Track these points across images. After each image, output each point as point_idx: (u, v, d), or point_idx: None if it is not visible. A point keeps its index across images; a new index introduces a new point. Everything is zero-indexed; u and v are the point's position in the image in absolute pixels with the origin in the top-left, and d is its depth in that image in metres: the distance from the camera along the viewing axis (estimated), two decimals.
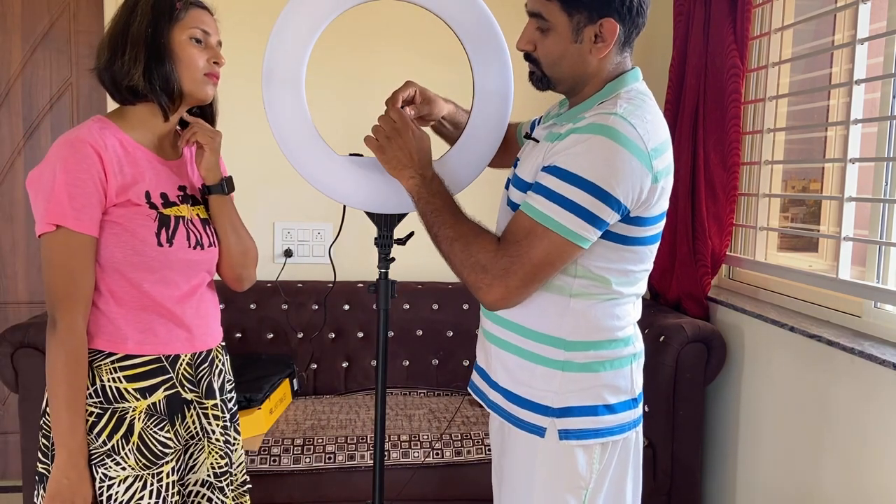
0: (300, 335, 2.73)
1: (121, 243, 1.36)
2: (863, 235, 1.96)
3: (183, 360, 1.45)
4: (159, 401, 1.41)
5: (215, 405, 1.50)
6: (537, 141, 1.38)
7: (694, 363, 2.28)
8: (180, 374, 1.45)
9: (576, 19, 1.25)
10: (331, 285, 2.68)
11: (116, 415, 1.37)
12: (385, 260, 1.52)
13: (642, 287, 1.38)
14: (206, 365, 1.49)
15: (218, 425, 1.51)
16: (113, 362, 1.37)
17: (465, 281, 1.29)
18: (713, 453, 2.45)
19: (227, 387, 1.57)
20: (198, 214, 1.48)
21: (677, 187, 2.44)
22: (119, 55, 1.37)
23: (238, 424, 1.61)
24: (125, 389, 1.37)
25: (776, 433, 2.11)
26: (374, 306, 1.55)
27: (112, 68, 1.39)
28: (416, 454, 2.26)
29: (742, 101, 2.30)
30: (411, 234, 1.51)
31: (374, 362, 2.75)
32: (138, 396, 1.38)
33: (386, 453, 2.22)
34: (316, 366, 2.73)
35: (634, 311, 1.38)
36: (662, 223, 1.33)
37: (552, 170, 1.21)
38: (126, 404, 1.38)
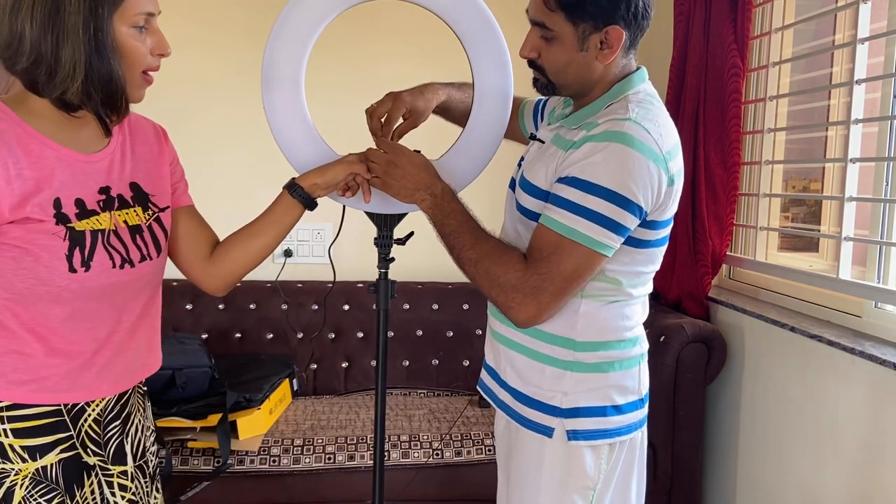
0: (300, 335, 2.73)
1: (21, 271, 1.07)
2: (863, 235, 1.96)
3: (89, 413, 1.17)
4: (51, 465, 1.12)
5: (123, 472, 1.22)
6: (542, 142, 1.37)
7: (694, 363, 2.27)
8: (83, 433, 1.16)
9: (581, 28, 1.23)
10: (331, 285, 2.66)
11: None
12: (385, 260, 1.51)
13: (650, 287, 1.39)
14: (118, 423, 1.22)
15: (125, 497, 1.22)
16: (0, 410, 1.09)
17: (494, 301, 1.28)
18: (713, 453, 2.44)
19: (150, 439, 1.31)
20: (125, 221, 1.18)
21: None
22: (47, 57, 1.02)
23: (159, 482, 1.34)
24: (9, 446, 1.08)
25: (776, 433, 2.11)
26: (374, 306, 1.55)
27: (35, 73, 1.04)
28: (416, 455, 2.26)
29: (742, 101, 2.30)
30: (411, 234, 1.51)
31: (374, 362, 2.74)
32: (26, 457, 1.09)
33: (386, 454, 2.22)
34: (316, 366, 2.73)
35: (643, 311, 1.39)
36: (671, 225, 1.33)
37: (571, 181, 1.20)
38: (7, 465, 1.09)
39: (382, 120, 1.48)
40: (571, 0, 1.21)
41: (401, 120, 1.51)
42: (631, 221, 1.21)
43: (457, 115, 1.60)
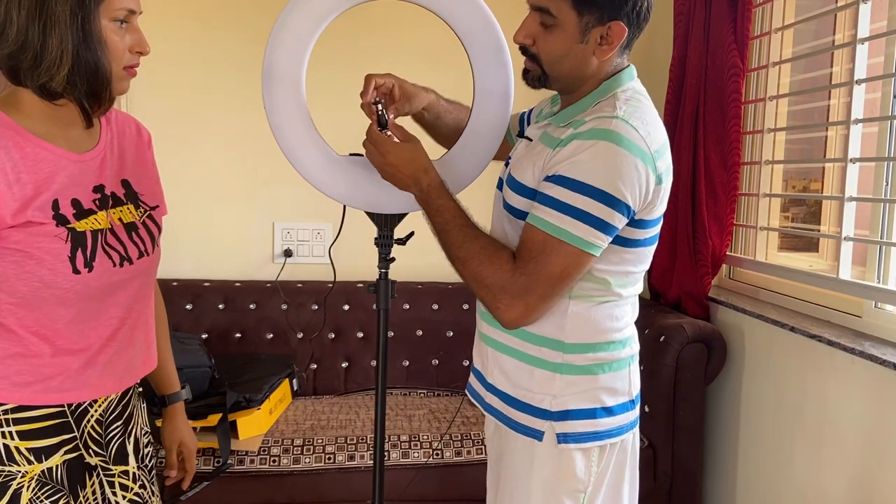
0: (300, 335, 2.73)
1: (25, 274, 1.06)
2: (863, 235, 1.96)
3: (92, 414, 1.17)
4: (57, 466, 1.12)
5: (125, 472, 1.23)
6: (530, 140, 1.37)
7: (694, 363, 2.27)
8: (86, 434, 1.17)
9: (585, 19, 1.22)
10: (331, 285, 2.67)
11: None
12: (385, 260, 1.51)
13: (640, 287, 1.38)
14: (119, 423, 1.23)
15: (126, 497, 1.23)
16: (5, 413, 1.09)
17: (483, 301, 1.27)
18: (713, 453, 2.44)
19: (144, 440, 1.31)
20: (120, 219, 1.18)
21: (677, 187, 2.44)
22: (34, 44, 1.02)
23: (154, 484, 1.34)
24: (15, 448, 1.08)
25: (776, 433, 2.11)
26: (374, 306, 1.55)
27: (19, 58, 1.03)
28: (415, 454, 2.26)
29: (742, 101, 2.30)
30: (411, 234, 1.51)
31: (374, 362, 2.74)
32: (32, 459, 1.10)
33: (386, 453, 2.22)
34: (316, 366, 2.73)
35: (632, 311, 1.38)
36: (661, 223, 1.33)
37: (558, 179, 1.20)
38: (14, 468, 1.09)
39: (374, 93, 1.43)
40: None
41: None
42: (619, 220, 1.20)
43: (442, 127, 1.58)
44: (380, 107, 1.39)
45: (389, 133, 1.37)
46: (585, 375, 1.31)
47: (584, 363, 1.31)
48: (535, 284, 1.21)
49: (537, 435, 1.31)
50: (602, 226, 1.18)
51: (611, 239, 1.22)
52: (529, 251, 1.22)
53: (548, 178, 1.22)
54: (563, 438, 1.30)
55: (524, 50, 1.30)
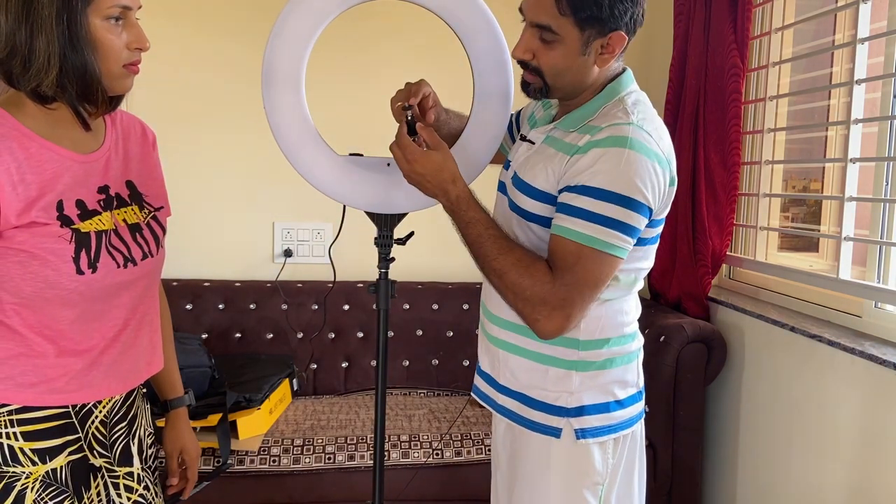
0: (300, 335, 2.73)
1: (28, 275, 1.06)
2: (863, 235, 1.96)
3: (97, 415, 1.17)
4: (61, 467, 1.13)
5: (129, 474, 1.23)
6: (532, 143, 1.37)
7: (694, 363, 2.27)
8: (90, 435, 1.17)
9: (587, 33, 1.23)
10: (331, 285, 2.67)
11: (3, 482, 1.08)
12: (385, 260, 1.51)
13: (642, 283, 1.41)
14: (124, 424, 1.23)
15: (130, 499, 1.23)
16: (9, 413, 1.09)
17: (520, 313, 1.27)
18: (713, 453, 2.44)
19: (148, 441, 1.31)
20: (124, 220, 1.18)
21: (678, 187, 2.44)
22: (21, 48, 1.02)
23: (157, 485, 1.35)
24: (20, 449, 1.09)
25: (776, 433, 2.11)
26: (374, 306, 1.55)
27: (9, 64, 1.03)
28: (416, 454, 2.26)
29: (742, 101, 2.30)
30: (411, 234, 1.51)
31: (374, 362, 2.74)
32: (36, 460, 1.10)
33: (386, 453, 2.22)
34: (316, 366, 2.73)
35: (637, 306, 1.41)
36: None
37: (582, 189, 1.21)
38: (18, 469, 1.09)
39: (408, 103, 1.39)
40: (585, 8, 1.20)
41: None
42: (642, 222, 1.23)
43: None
44: (409, 113, 1.35)
45: (419, 139, 1.34)
46: (600, 370, 1.34)
47: (598, 358, 1.33)
48: (575, 295, 1.22)
49: (555, 432, 1.33)
50: (629, 230, 1.21)
51: (635, 241, 1.24)
52: (565, 262, 1.22)
53: (570, 189, 1.23)
54: (582, 434, 1.32)
55: (524, 64, 1.30)
